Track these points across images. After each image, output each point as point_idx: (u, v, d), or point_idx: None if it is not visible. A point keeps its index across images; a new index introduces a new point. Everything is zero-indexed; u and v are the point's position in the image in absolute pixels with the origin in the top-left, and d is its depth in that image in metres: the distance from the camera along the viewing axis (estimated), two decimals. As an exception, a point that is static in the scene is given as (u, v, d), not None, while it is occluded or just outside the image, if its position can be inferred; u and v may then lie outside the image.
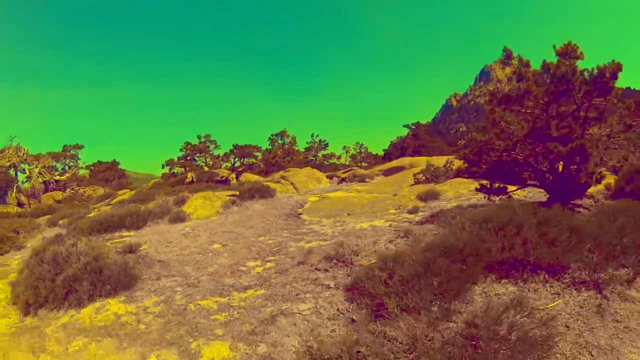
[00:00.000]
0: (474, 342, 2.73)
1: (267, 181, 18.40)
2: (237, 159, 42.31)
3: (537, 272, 3.88)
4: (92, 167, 35.46)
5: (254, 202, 13.59)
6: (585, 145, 5.85)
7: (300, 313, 3.57)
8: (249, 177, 23.22)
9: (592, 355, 2.68)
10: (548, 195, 7.22)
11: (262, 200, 14.26)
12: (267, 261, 5.79)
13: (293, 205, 12.61)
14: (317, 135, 41.87)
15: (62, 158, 33.16)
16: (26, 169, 27.34)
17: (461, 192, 11.07)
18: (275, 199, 14.50)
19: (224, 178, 22.87)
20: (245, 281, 4.86)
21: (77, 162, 33.79)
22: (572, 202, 6.99)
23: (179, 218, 10.34)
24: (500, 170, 7.21)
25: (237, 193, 13.04)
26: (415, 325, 3.03)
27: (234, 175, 23.50)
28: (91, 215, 11.06)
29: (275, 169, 29.43)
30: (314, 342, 2.90)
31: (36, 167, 27.42)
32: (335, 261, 5.07)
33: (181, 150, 38.50)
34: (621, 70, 5.74)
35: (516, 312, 3.06)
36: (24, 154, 27.56)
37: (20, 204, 24.27)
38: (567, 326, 3.06)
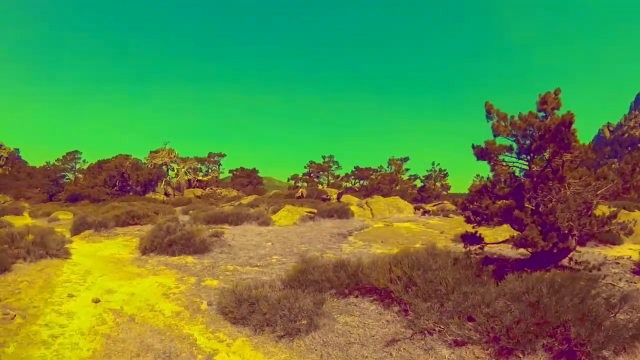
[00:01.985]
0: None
1: (355, 204, 21.25)
2: (356, 180, 46.20)
3: (399, 304, 5.00)
4: (234, 172, 44.71)
5: (328, 220, 16.77)
6: (511, 207, 5.88)
7: (260, 279, 6.61)
8: (350, 198, 26.31)
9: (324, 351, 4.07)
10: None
11: (337, 220, 17.31)
12: (285, 257, 8.90)
13: (355, 227, 15.24)
14: (438, 165, 42.41)
15: (206, 162, 43.04)
16: (175, 168, 37.10)
17: (498, 238, 11.86)
18: (349, 220, 17.32)
19: (328, 197, 26.67)
20: (260, 263, 8.10)
21: (218, 167, 43.37)
22: (554, 263, 6.72)
23: (265, 222, 14.31)
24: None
25: (315, 211, 16.45)
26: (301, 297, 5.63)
27: (336, 196, 27.04)
28: (212, 211, 16.04)
29: (377, 193, 31.95)
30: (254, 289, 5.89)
31: (183, 167, 36.91)
32: (314, 263, 7.85)
33: (305, 167, 44.77)
34: (572, 122, 5.31)
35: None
36: (174, 156, 37.54)
37: (166, 194, 33.28)
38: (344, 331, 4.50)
